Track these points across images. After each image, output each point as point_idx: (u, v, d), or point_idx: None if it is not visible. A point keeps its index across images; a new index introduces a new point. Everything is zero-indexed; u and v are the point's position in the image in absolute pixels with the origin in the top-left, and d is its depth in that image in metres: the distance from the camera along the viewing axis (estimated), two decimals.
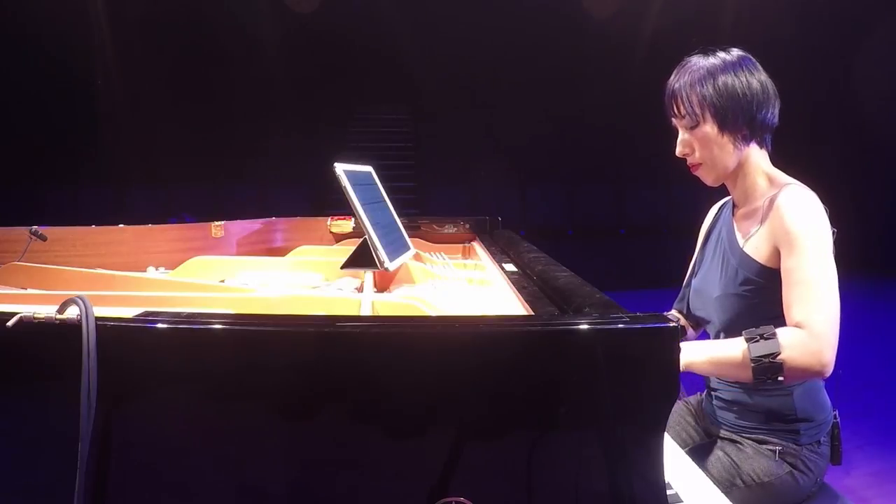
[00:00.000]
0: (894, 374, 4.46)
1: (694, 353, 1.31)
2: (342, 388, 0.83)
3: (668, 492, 0.97)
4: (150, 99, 7.58)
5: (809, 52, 8.14)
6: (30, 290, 1.58)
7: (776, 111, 1.43)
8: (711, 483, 1.15)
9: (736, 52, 1.44)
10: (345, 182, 1.51)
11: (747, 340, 1.26)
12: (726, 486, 1.39)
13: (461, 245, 2.51)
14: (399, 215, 1.98)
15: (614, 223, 8.17)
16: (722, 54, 1.43)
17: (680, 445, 1.39)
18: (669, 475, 1.03)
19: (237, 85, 7.88)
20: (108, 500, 0.83)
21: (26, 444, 0.90)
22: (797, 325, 1.27)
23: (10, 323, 0.83)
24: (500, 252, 2.03)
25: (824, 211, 1.36)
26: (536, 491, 0.82)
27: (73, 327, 0.81)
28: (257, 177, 7.64)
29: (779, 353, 1.23)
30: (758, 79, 1.40)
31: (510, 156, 7.92)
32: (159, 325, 0.84)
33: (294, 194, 7.55)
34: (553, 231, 7.81)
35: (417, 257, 1.93)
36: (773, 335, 1.25)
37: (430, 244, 2.44)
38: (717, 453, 1.45)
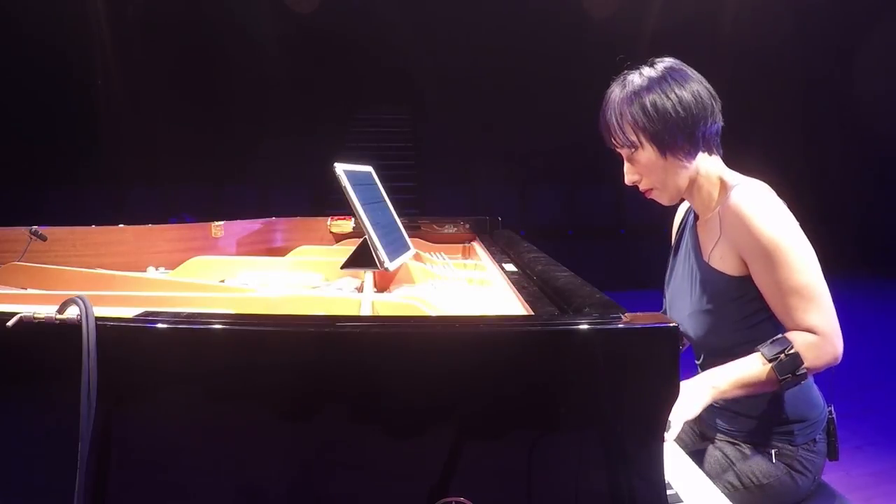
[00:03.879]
0: (894, 374, 4.46)
1: (720, 381, 1.28)
2: (342, 388, 0.83)
3: (668, 492, 0.97)
4: (150, 99, 7.57)
5: (809, 51, 8.14)
6: (30, 290, 1.58)
7: (717, 115, 1.34)
8: (711, 483, 1.15)
9: (661, 66, 1.35)
10: (345, 182, 1.51)
11: (770, 360, 1.26)
12: (725, 488, 1.39)
13: (461, 245, 2.51)
14: (399, 215, 1.98)
15: (614, 223, 8.16)
16: (647, 70, 1.35)
17: (679, 446, 1.39)
18: (669, 475, 1.03)
19: (237, 85, 7.88)
20: (108, 500, 0.83)
21: (26, 444, 0.90)
22: (806, 331, 1.29)
23: (10, 323, 0.83)
24: (500, 252, 2.03)
25: (781, 202, 1.32)
26: (536, 491, 0.82)
27: (73, 327, 0.81)
28: (257, 177, 7.63)
29: (802, 364, 1.26)
30: (689, 90, 1.31)
31: (510, 156, 7.92)
32: (159, 325, 0.84)
33: (294, 194, 7.54)
34: (553, 231, 7.80)
35: (417, 257, 1.93)
36: (793, 349, 1.26)
37: (430, 244, 2.44)
38: (716, 454, 1.45)
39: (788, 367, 1.25)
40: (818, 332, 1.28)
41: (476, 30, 8.03)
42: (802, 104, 8.16)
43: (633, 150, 1.35)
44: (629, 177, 1.40)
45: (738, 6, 7.91)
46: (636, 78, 1.35)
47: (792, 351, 1.25)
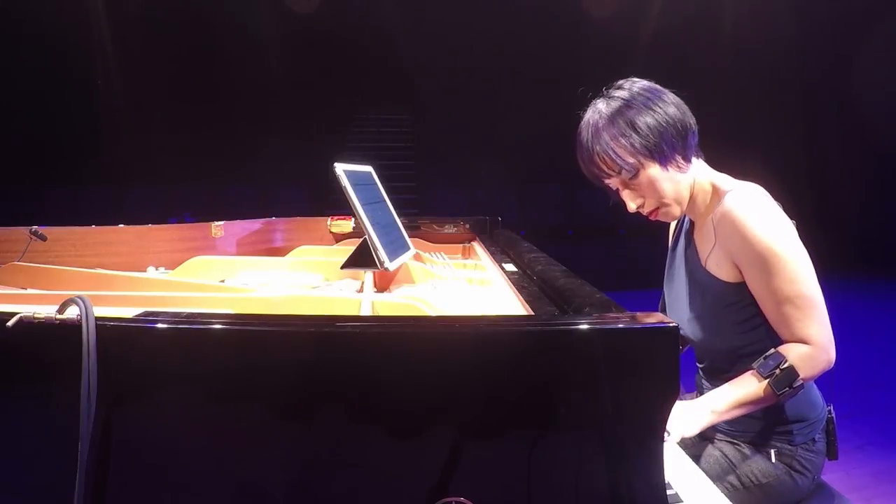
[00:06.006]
0: (894, 373, 4.46)
1: (718, 403, 1.28)
2: (342, 388, 0.83)
3: (668, 492, 0.97)
4: (151, 99, 7.58)
5: (809, 51, 8.14)
6: (30, 290, 1.58)
7: (693, 120, 1.34)
8: (711, 483, 1.15)
9: (636, 87, 1.33)
10: (345, 182, 1.51)
11: (766, 377, 1.26)
12: (725, 488, 1.39)
13: (461, 245, 2.51)
14: (399, 215, 1.98)
15: (613, 223, 8.17)
16: (617, 93, 1.33)
17: (679, 446, 1.39)
18: (669, 475, 1.03)
19: (237, 85, 7.88)
20: (109, 500, 0.83)
21: (26, 444, 0.90)
22: (800, 342, 1.30)
23: (10, 323, 0.83)
24: (500, 252, 2.04)
25: (776, 207, 1.32)
26: (536, 491, 0.82)
27: (73, 327, 0.81)
28: (257, 177, 7.64)
29: (797, 376, 1.26)
30: (670, 102, 1.31)
31: (510, 156, 7.92)
32: (159, 325, 0.84)
33: (294, 194, 7.56)
34: (553, 231, 7.81)
35: (417, 257, 1.93)
36: (787, 363, 1.26)
37: (430, 244, 2.44)
38: (716, 454, 1.45)
39: (784, 382, 1.26)
40: (812, 342, 1.29)
41: (476, 30, 8.04)
42: (802, 104, 8.16)
43: (631, 173, 1.32)
44: (632, 203, 1.36)
45: (738, 6, 7.91)
46: (610, 102, 1.32)
47: (786, 365, 1.26)
